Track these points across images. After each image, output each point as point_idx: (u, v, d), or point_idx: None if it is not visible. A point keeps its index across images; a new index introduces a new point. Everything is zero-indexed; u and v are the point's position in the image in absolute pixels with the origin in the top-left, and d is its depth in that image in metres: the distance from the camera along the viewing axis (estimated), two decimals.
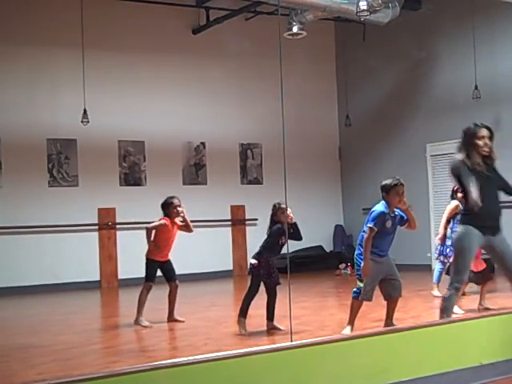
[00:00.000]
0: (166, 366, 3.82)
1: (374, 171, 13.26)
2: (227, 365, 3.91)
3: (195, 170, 12.86)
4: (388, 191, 6.00)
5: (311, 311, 7.77)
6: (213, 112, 12.89)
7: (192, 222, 12.32)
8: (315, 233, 13.65)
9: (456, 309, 7.04)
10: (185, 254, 12.42)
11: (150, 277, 7.38)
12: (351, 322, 6.13)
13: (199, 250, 12.52)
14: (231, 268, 12.85)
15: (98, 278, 11.72)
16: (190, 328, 7.09)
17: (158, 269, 7.44)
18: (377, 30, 12.03)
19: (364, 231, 5.95)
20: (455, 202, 8.21)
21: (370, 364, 4.38)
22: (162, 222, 7.39)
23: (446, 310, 5.54)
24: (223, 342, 6.13)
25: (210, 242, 12.52)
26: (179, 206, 7.48)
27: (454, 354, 4.74)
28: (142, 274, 11.26)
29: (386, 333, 4.78)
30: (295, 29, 11.02)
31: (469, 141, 5.57)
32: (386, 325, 6.13)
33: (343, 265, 12.63)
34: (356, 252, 6.15)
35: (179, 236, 12.48)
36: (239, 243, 12.99)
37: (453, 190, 8.43)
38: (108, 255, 11.83)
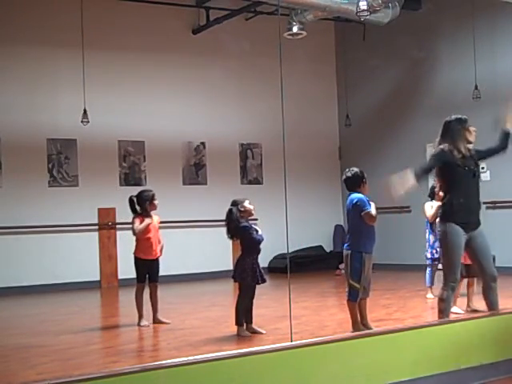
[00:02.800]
0: (165, 366, 3.82)
1: (374, 171, 13.22)
2: (227, 365, 3.91)
3: (195, 170, 12.86)
4: (365, 181, 6.12)
5: (311, 311, 7.78)
6: (213, 112, 12.89)
7: (192, 221, 12.48)
8: (315, 233, 13.66)
9: (456, 309, 7.04)
10: (185, 254, 12.45)
11: (139, 278, 7.38)
12: (356, 324, 6.06)
13: (199, 249, 12.53)
14: (231, 268, 12.80)
15: (98, 278, 11.72)
16: (190, 328, 7.09)
17: (147, 269, 7.36)
18: (377, 30, 12.03)
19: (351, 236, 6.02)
20: (435, 204, 8.20)
21: (369, 364, 4.38)
22: (148, 220, 7.31)
23: (444, 311, 5.56)
24: (223, 342, 6.13)
25: (210, 242, 12.52)
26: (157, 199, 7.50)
27: (454, 354, 4.74)
28: None
29: (386, 333, 4.78)
30: (295, 29, 11.01)
31: (457, 130, 5.63)
32: (364, 325, 6.03)
33: (343, 265, 12.61)
34: (347, 251, 6.12)
35: (178, 236, 12.57)
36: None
37: (433, 189, 8.37)
38: (108, 255, 11.83)
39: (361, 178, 6.14)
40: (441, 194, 7.82)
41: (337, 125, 14.29)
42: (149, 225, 7.30)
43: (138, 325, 7.16)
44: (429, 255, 8.46)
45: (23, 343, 6.49)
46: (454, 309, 7.07)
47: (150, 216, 7.38)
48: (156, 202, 7.45)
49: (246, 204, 6.63)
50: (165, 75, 12.54)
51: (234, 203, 6.68)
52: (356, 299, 6.02)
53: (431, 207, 8.29)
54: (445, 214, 5.63)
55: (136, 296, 7.30)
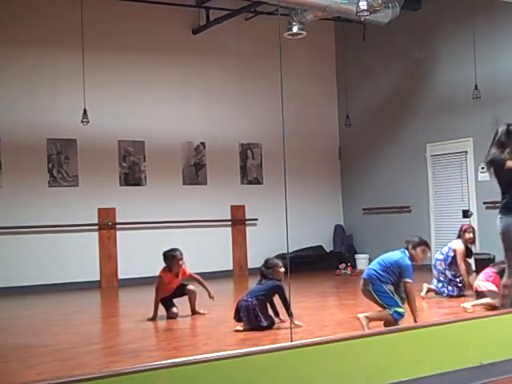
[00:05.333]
0: (166, 366, 3.82)
1: (374, 171, 13.26)
2: (227, 365, 3.91)
3: (195, 170, 12.86)
4: (415, 247, 6.14)
5: (311, 311, 7.77)
6: (213, 112, 12.89)
7: (192, 221, 12.48)
8: (315, 233, 13.66)
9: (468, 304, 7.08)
10: (185, 254, 12.43)
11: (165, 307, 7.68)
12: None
13: (199, 250, 12.52)
14: (231, 268, 12.85)
15: (97, 278, 11.71)
16: (190, 328, 7.09)
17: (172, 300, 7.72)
18: (377, 30, 12.03)
19: (380, 272, 6.05)
20: (461, 244, 8.30)
21: (370, 364, 4.38)
22: (161, 279, 7.64)
23: (507, 296, 6.05)
24: (223, 341, 6.13)
25: (210, 242, 12.52)
26: (181, 259, 7.72)
27: (454, 354, 4.74)
28: (142, 273, 11.35)
29: (386, 333, 4.78)
30: (295, 29, 11.01)
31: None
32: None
33: (343, 265, 12.63)
34: (379, 289, 6.10)
35: (178, 236, 12.53)
36: (239, 243, 12.99)
37: (460, 229, 8.51)
38: (108, 255, 11.83)
39: (414, 244, 6.20)
40: (467, 235, 8.17)
41: (337, 125, 14.29)
42: (162, 282, 7.62)
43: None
44: (434, 287, 8.46)
45: (23, 343, 6.49)
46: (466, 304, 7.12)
47: (173, 272, 7.66)
48: (179, 262, 7.68)
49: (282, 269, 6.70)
50: (165, 75, 12.53)
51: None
52: (397, 320, 6.00)
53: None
54: (508, 209, 6.21)
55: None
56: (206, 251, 12.49)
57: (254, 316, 6.41)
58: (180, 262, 7.66)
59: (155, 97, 12.41)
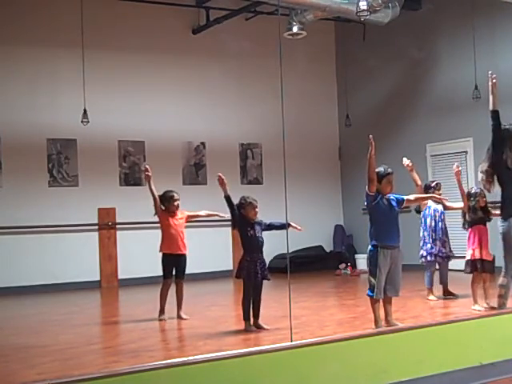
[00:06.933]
0: (166, 366, 3.82)
1: None
2: (227, 365, 3.91)
3: (195, 170, 12.86)
4: (380, 180, 6.12)
5: (311, 311, 7.78)
6: (213, 112, 12.89)
7: (192, 222, 12.46)
8: (315, 233, 13.65)
9: (478, 307, 7.07)
10: None
11: (165, 274, 7.60)
12: (377, 322, 6.07)
13: (199, 249, 12.51)
14: (231, 268, 12.83)
15: (98, 278, 11.72)
16: (190, 328, 7.08)
17: (173, 264, 7.63)
18: (377, 30, 12.04)
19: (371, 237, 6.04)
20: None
21: (370, 364, 4.38)
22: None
23: (504, 295, 6.22)
24: (223, 342, 6.13)
25: (210, 242, 12.51)
26: (178, 199, 7.70)
27: (454, 354, 4.74)
28: (142, 274, 11.37)
29: (386, 333, 4.79)
30: (295, 29, 11.02)
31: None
32: (387, 322, 6.11)
33: (343, 265, 12.62)
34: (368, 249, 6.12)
35: None
36: (239, 243, 12.94)
37: (426, 187, 8.48)
38: (108, 255, 11.83)
39: (378, 178, 6.14)
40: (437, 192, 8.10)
41: (337, 125, 14.29)
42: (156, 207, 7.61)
43: (158, 318, 7.39)
44: (424, 253, 8.38)
45: (23, 343, 6.49)
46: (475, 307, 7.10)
47: (170, 214, 7.63)
48: (176, 203, 7.66)
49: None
50: (165, 75, 12.54)
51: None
52: (371, 295, 5.96)
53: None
54: (506, 210, 6.40)
55: (161, 291, 7.52)
56: (206, 251, 12.49)
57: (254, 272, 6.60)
58: (176, 203, 7.62)
59: (155, 97, 12.41)
